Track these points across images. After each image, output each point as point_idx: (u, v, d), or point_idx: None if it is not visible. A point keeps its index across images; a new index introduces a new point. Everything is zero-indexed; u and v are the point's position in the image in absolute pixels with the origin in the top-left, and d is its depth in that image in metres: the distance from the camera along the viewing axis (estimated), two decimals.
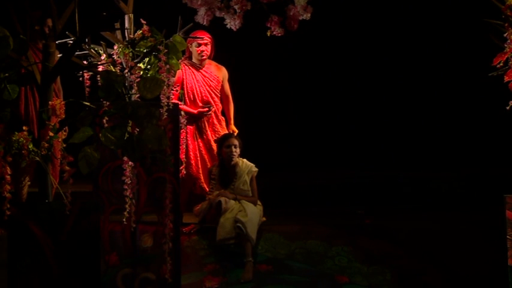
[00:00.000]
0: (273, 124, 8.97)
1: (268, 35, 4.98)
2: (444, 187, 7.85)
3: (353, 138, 9.05)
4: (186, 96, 6.39)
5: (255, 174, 6.15)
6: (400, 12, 8.67)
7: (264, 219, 6.10)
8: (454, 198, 7.52)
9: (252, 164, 6.17)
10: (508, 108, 4.82)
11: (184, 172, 6.28)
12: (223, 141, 6.16)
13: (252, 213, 5.86)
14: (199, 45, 6.36)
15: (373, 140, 9.02)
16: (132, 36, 4.62)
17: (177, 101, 5.59)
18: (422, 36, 8.83)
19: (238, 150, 6.13)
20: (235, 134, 6.48)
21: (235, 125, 6.60)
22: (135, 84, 4.42)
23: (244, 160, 6.18)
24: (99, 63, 4.61)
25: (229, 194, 6.02)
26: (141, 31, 4.57)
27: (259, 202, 6.11)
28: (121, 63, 4.51)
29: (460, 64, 8.60)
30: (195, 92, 6.41)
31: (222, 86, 6.55)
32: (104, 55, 4.62)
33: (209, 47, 6.41)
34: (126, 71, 4.47)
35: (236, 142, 6.14)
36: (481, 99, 8.23)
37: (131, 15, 4.71)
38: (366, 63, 9.05)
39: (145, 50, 4.53)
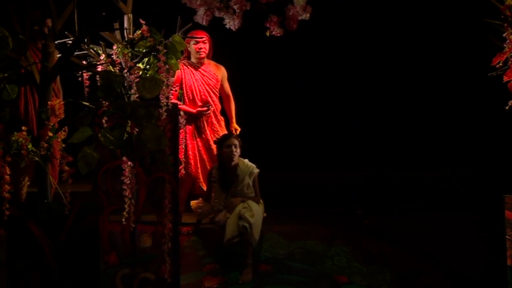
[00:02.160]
0: (271, 124, 8.96)
1: (268, 35, 4.98)
2: (443, 187, 7.85)
3: (352, 138, 9.05)
4: (185, 95, 6.39)
5: (257, 174, 6.07)
6: (399, 12, 8.66)
7: (265, 214, 6.05)
8: (454, 198, 7.52)
9: (253, 165, 6.08)
10: (507, 108, 4.82)
11: (184, 172, 6.28)
12: (223, 141, 6.06)
13: (257, 212, 5.80)
14: (197, 42, 6.36)
15: (373, 140, 9.02)
16: (131, 36, 4.62)
17: (176, 101, 5.59)
18: (421, 37, 8.83)
19: (238, 150, 6.03)
20: (238, 131, 6.48)
21: (237, 123, 6.62)
22: (134, 84, 4.42)
23: (245, 161, 6.09)
24: (98, 63, 4.60)
25: (237, 201, 5.89)
26: (140, 31, 4.57)
27: (261, 201, 6.08)
28: (120, 63, 4.51)
29: (459, 64, 8.60)
30: (194, 91, 6.42)
31: (222, 85, 6.56)
32: (103, 55, 4.62)
33: (207, 45, 6.42)
34: (125, 71, 4.47)
35: (236, 142, 6.03)
36: (481, 99, 8.23)
37: (130, 15, 4.71)
38: (365, 63, 9.05)
39: (144, 50, 4.53)
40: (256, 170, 6.06)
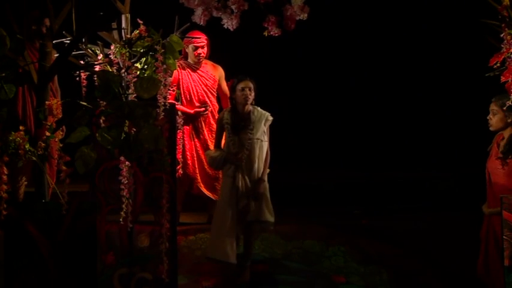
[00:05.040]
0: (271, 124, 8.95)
1: (266, 35, 4.99)
2: (441, 187, 7.86)
3: (350, 138, 9.06)
4: (182, 96, 6.39)
5: (270, 123, 5.66)
6: (397, 13, 8.67)
7: (268, 170, 5.72)
8: (451, 198, 7.53)
9: (267, 113, 5.64)
10: (504, 108, 4.84)
11: (181, 172, 6.27)
12: (237, 83, 5.60)
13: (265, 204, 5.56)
14: (197, 48, 6.35)
15: (370, 140, 9.03)
16: (129, 36, 4.62)
17: (173, 101, 5.58)
18: (419, 37, 8.84)
19: (253, 94, 5.59)
20: None
21: None
22: (132, 84, 4.42)
23: (258, 108, 5.65)
24: (96, 63, 4.60)
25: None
26: (138, 31, 4.56)
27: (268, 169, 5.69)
28: (118, 63, 4.50)
29: (456, 64, 8.62)
30: (191, 91, 6.42)
31: (219, 85, 6.55)
32: (101, 55, 4.62)
33: (206, 48, 6.42)
34: (123, 70, 4.47)
35: (251, 85, 5.58)
36: (478, 99, 8.23)
37: (128, 15, 4.70)
38: (363, 63, 9.06)
39: (142, 50, 4.53)
40: (271, 118, 5.65)
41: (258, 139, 5.57)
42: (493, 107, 5.00)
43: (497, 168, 4.94)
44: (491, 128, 5.06)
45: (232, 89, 5.65)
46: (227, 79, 6.59)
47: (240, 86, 5.58)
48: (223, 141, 5.74)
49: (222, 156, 5.60)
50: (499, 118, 4.98)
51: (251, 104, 5.61)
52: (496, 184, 4.97)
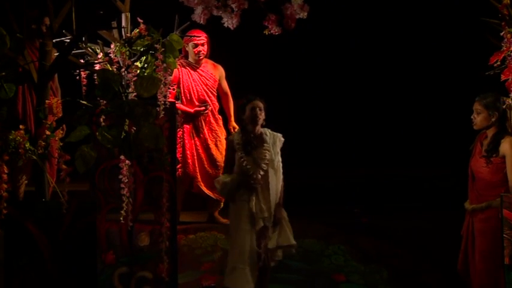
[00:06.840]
0: (269, 123, 8.94)
1: (266, 33, 4.99)
2: (441, 186, 7.85)
3: (350, 137, 9.05)
4: (182, 95, 6.38)
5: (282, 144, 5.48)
6: (397, 12, 8.67)
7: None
8: (451, 197, 7.52)
9: (279, 134, 5.46)
10: (504, 106, 4.85)
11: (181, 171, 6.27)
12: (246, 104, 5.38)
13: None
14: (197, 45, 6.35)
15: (370, 139, 9.02)
16: (129, 34, 4.62)
17: (173, 100, 5.58)
18: (420, 36, 8.83)
19: (263, 114, 5.40)
20: (236, 130, 6.40)
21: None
22: (132, 83, 4.42)
23: (268, 130, 5.46)
24: (96, 61, 4.60)
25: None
26: (138, 30, 4.57)
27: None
28: (118, 62, 4.50)
29: (456, 63, 8.61)
30: (191, 91, 6.41)
31: (220, 84, 6.55)
32: (101, 54, 4.62)
33: (206, 46, 6.41)
34: (123, 69, 4.47)
35: (261, 105, 5.39)
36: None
37: (128, 14, 4.71)
38: (362, 61, 9.05)
39: (142, 49, 4.53)
40: (283, 139, 5.48)
41: (273, 160, 5.38)
42: (477, 106, 5.04)
43: (481, 167, 4.99)
44: (475, 127, 5.12)
45: (241, 109, 5.44)
46: (227, 78, 6.59)
47: (249, 107, 5.37)
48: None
49: (236, 181, 5.30)
50: (483, 117, 5.01)
51: (261, 125, 5.42)
52: (480, 181, 5.00)
